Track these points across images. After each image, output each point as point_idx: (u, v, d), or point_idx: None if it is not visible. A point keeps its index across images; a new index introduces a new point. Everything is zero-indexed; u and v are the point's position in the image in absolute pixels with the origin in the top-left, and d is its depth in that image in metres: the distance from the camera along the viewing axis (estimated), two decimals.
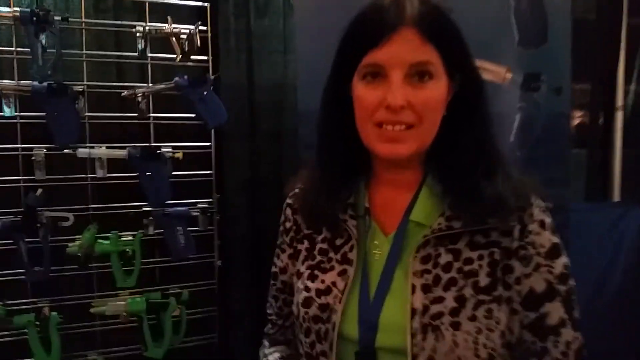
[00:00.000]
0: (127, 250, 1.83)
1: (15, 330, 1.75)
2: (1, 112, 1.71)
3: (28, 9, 1.65)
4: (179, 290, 1.94)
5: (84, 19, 1.82)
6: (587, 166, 2.42)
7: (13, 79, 1.72)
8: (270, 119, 2.13)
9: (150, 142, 1.92)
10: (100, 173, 1.83)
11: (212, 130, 1.98)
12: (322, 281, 0.86)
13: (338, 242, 0.88)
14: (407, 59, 0.77)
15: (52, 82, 1.69)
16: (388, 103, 0.77)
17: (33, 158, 1.76)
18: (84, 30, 1.83)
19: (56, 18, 1.67)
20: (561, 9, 1.81)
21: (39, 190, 1.74)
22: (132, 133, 1.94)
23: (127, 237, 1.87)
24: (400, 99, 0.76)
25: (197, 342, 2.01)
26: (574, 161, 2.23)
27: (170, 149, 1.89)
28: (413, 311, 0.78)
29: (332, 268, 0.87)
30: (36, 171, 1.76)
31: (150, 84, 1.90)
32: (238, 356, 2.09)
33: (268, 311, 1.05)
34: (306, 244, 0.92)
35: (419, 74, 0.77)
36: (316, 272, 0.88)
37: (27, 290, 1.81)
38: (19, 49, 1.74)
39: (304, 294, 0.87)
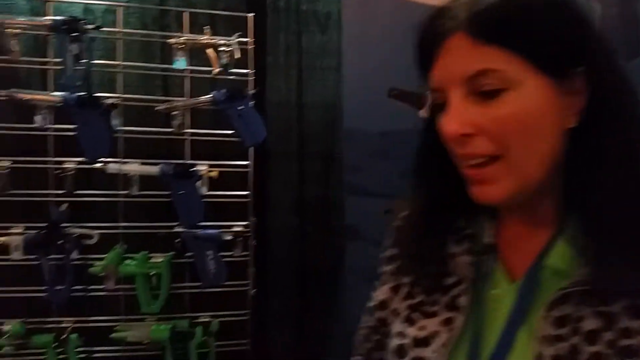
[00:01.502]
0: (154, 272, 1.72)
1: (33, 350, 1.68)
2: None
3: (60, 18, 1.60)
4: (209, 319, 1.81)
5: (120, 29, 1.75)
6: None
7: (46, 90, 1.68)
8: (318, 139, 1.98)
9: (185, 159, 1.81)
10: (132, 190, 1.74)
11: (252, 149, 1.84)
12: (422, 328, 0.69)
13: (447, 281, 0.70)
14: (458, 72, 0.59)
15: (83, 93, 1.62)
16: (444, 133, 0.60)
17: (61, 172, 1.69)
18: (121, 41, 1.76)
19: (88, 27, 1.61)
20: None
21: (64, 205, 1.66)
22: (168, 148, 1.84)
23: (157, 258, 1.76)
24: (455, 123, 0.59)
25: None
26: None
27: (205, 167, 1.78)
28: None
29: (434, 314, 0.69)
30: (66, 185, 1.70)
31: (188, 98, 1.80)
32: None
33: (355, 355, 0.86)
34: (411, 277, 0.75)
35: (483, 87, 0.59)
36: (416, 315, 0.71)
37: (52, 309, 1.74)
38: (54, 59, 1.69)
39: (398, 340, 0.71)
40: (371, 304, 0.82)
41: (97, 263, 1.69)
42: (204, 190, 1.79)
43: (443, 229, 0.70)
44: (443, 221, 0.70)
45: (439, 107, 0.63)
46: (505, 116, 0.58)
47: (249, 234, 1.84)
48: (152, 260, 1.75)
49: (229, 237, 1.81)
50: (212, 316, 1.82)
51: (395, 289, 0.77)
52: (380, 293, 0.80)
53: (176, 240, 1.78)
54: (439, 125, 0.62)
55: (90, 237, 1.68)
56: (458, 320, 0.66)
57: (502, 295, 0.66)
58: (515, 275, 0.66)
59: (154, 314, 1.76)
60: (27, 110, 1.64)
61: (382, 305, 0.79)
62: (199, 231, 1.76)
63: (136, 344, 1.74)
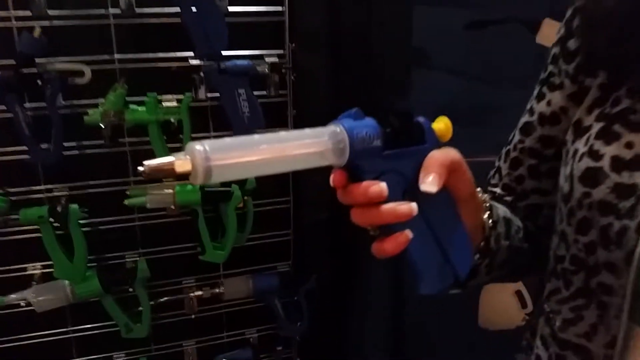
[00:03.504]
0: (172, 120, 1.30)
1: (23, 227, 1.28)
2: None
3: None
4: None
5: None
6: None
7: None
8: None
9: None
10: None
11: None
12: (628, 145, 0.54)
13: None
14: None
15: None
16: None
17: None
18: None
19: None
20: None
21: (38, 30, 1.17)
22: None
23: (170, 102, 1.32)
24: None
25: (267, 239, 1.53)
26: None
27: None
28: None
29: None
30: None
31: None
32: (312, 254, 1.63)
33: (491, 181, 0.75)
34: (602, 77, 0.59)
35: None
36: (617, 127, 0.56)
37: (39, 176, 1.32)
38: None
39: (588, 162, 0.56)
40: (529, 119, 0.68)
41: (93, 110, 1.25)
42: (226, 5, 1.31)
43: None
44: None
45: None
46: None
47: (286, 65, 1.41)
48: (165, 104, 1.32)
49: (263, 70, 1.37)
50: None
51: (575, 96, 0.63)
52: (545, 104, 0.66)
53: (193, 76, 1.34)
54: None
55: (80, 74, 1.21)
56: None
57: None
58: None
59: None
60: None
61: (550, 118, 0.65)
62: (225, 63, 1.31)
63: (155, 209, 1.37)
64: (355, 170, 0.48)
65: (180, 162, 0.39)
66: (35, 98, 1.23)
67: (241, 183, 1.41)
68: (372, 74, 1.54)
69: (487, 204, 0.62)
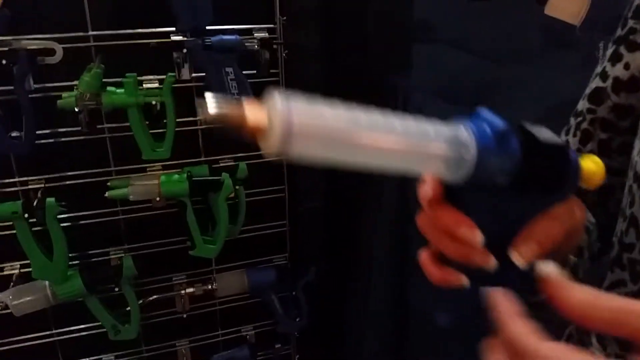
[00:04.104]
0: (153, 102, 1.19)
1: None
2: None
3: None
4: (233, 163, 1.33)
5: None
6: None
7: None
8: None
9: None
10: None
11: None
12: (627, 66, 0.51)
13: None
14: None
15: None
16: None
17: None
18: None
19: None
20: None
21: None
22: None
23: (151, 83, 1.21)
24: None
25: (262, 231, 1.43)
26: None
27: None
28: None
29: None
30: None
31: None
32: (310, 246, 1.53)
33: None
34: None
35: None
36: (622, 48, 0.53)
37: (12, 167, 1.21)
38: None
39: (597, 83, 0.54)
40: (602, 84, 0.58)
41: (67, 93, 1.14)
42: None
43: None
44: None
45: None
46: None
47: (277, 40, 1.30)
48: (146, 86, 1.21)
49: (252, 46, 1.26)
50: (235, 159, 1.34)
51: None
52: (621, 66, 0.56)
53: (175, 55, 1.22)
54: None
55: (50, 52, 1.10)
56: None
57: None
58: None
59: (159, 160, 1.26)
60: None
61: (628, 84, 0.55)
62: (211, 38, 1.20)
63: (140, 202, 1.26)
64: (454, 194, 0.36)
65: (254, 112, 0.30)
66: (0, 81, 1.12)
67: (232, 171, 1.30)
68: (369, 49, 1.43)
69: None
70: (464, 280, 0.38)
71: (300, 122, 0.30)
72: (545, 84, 1.48)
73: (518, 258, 0.37)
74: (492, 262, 0.37)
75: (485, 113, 0.36)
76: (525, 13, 1.55)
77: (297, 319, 1.46)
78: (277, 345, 1.54)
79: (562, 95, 0.64)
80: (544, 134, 0.36)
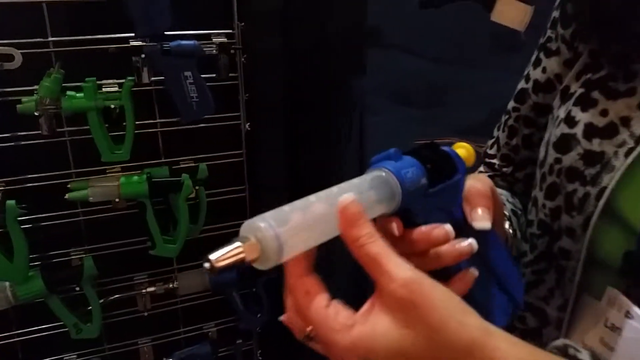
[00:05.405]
0: (112, 106, 1.21)
1: None
2: None
3: None
4: (194, 164, 1.37)
5: None
6: None
7: None
8: None
9: None
10: None
11: None
12: (603, 112, 0.52)
13: None
14: None
15: None
16: None
17: None
18: None
19: None
20: None
21: None
22: None
23: (111, 87, 1.24)
24: None
25: (223, 230, 1.47)
26: None
27: None
28: None
29: (627, 93, 0.51)
30: None
31: None
32: None
33: (489, 151, 0.72)
34: (593, 43, 0.56)
35: None
36: (596, 94, 0.53)
37: None
38: None
39: (564, 128, 0.55)
40: (525, 85, 0.66)
41: (27, 98, 1.16)
42: None
43: None
44: None
45: None
46: None
47: (236, 45, 1.34)
48: (105, 89, 1.23)
49: (211, 51, 1.30)
50: (195, 160, 1.38)
51: (570, 63, 0.59)
52: (540, 70, 0.63)
53: (134, 59, 1.25)
54: None
55: (9, 58, 1.11)
56: None
57: None
58: None
59: (118, 163, 1.28)
60: None
61: (544, 85, 0.62)
62: (169, 43, 1.23)
63: (101, 203, 1.29)
64: (406, 215, 0.44)
65: (250, 247, 0.36)
66: None
67: (192, 172, 1.34)
68: (326, 54, 1.48)
69: (507, 214, 0.60)
70: (474, 272, 0.45)
71: (287, 245, 0.37)
72: (491, 87, 1.55)
73: (482, 223, 0.46)
74: (472, 242, 0.44)
75: (386, 153, 0.45)
76: (474, 19, 1.63)
77: (259, 315, 1.50)
78: (239, 341, 1.58)
79: (507, 97, 0.71)
80: (425, 147, 0.48)
